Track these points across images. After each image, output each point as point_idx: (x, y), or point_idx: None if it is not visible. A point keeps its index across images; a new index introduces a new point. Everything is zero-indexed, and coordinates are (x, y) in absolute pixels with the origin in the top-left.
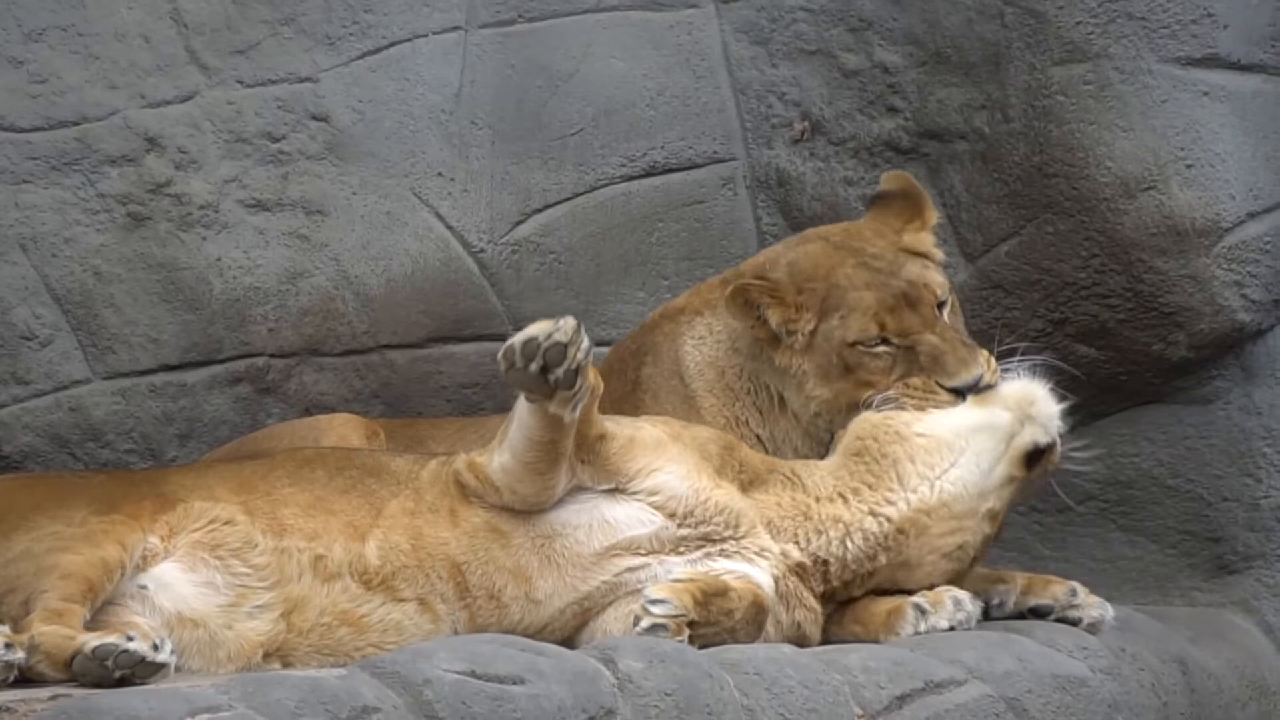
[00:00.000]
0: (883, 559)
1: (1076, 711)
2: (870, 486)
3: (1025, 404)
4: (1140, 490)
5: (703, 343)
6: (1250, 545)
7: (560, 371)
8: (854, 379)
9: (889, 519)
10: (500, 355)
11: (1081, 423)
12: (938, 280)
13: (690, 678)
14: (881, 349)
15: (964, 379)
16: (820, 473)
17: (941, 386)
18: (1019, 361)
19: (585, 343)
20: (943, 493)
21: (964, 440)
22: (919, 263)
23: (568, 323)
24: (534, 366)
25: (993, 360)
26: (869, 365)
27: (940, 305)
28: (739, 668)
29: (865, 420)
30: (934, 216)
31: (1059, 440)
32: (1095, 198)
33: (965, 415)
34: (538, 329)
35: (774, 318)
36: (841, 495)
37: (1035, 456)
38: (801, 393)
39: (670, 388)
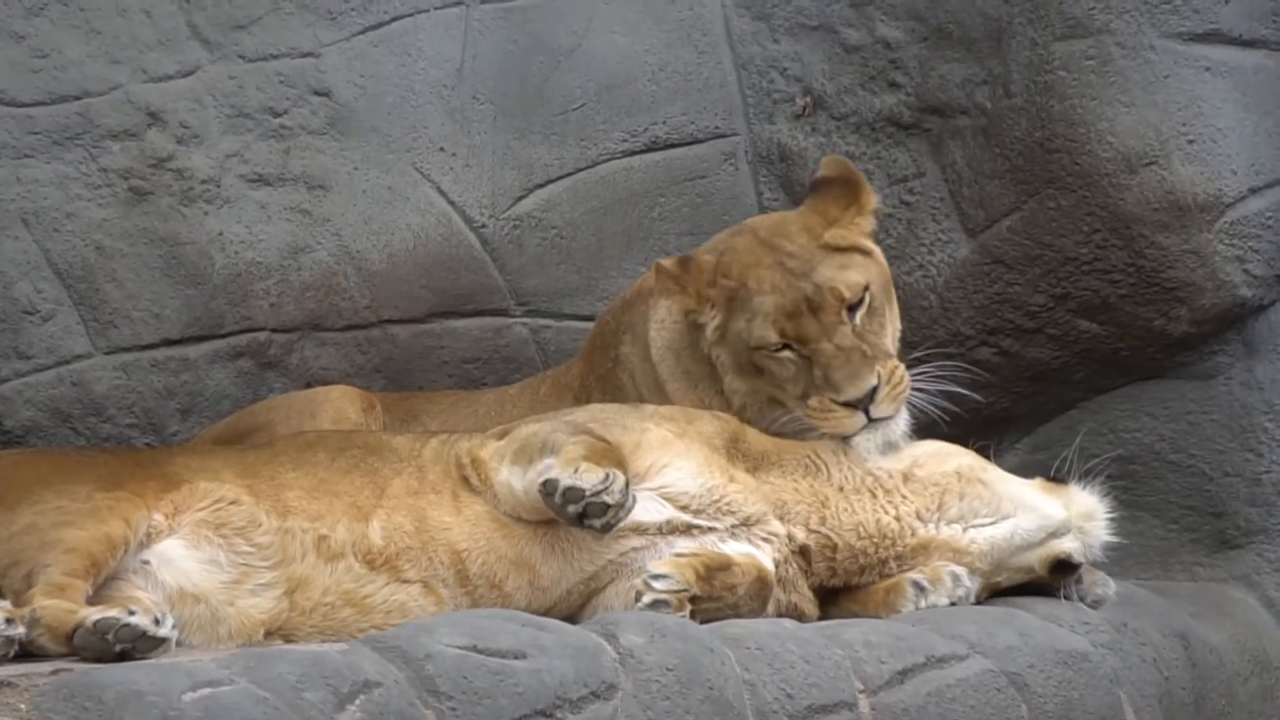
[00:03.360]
0: (893, 565)
1: (1078, 686)
2: (907, 499)
3: (1085, 516)
4: (1142, 465)
5: (662, 326)
6: (1252, 520)
7: (597, 523)
8: (765, 380)
9: (913, 532)
10: (540, 483)
11: (1083, 398)
12: (851, 281)
13: (691, 652)
14: (785, 354)
15: (851, 394)
16: (850, 464)
17: (834, 402)
18: (931, 369)
19: (630, 502)
20: (970, 541)
21: (1014, 509)
22: (837, 261)
23: (616, 483)
24: (572, 510)
25: (898, 370)
26: (774, 370)
27: (852, 308)
28: (740, 642)
29: (929, 446)
30: (872, 200)
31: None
32: (1097, 173)
33: (1027, 490)
34: (586, 481)
35: (677, 305)
36: (871, 492)
37: (1061, 567)
38: (723, 381)
39: (644, 370)
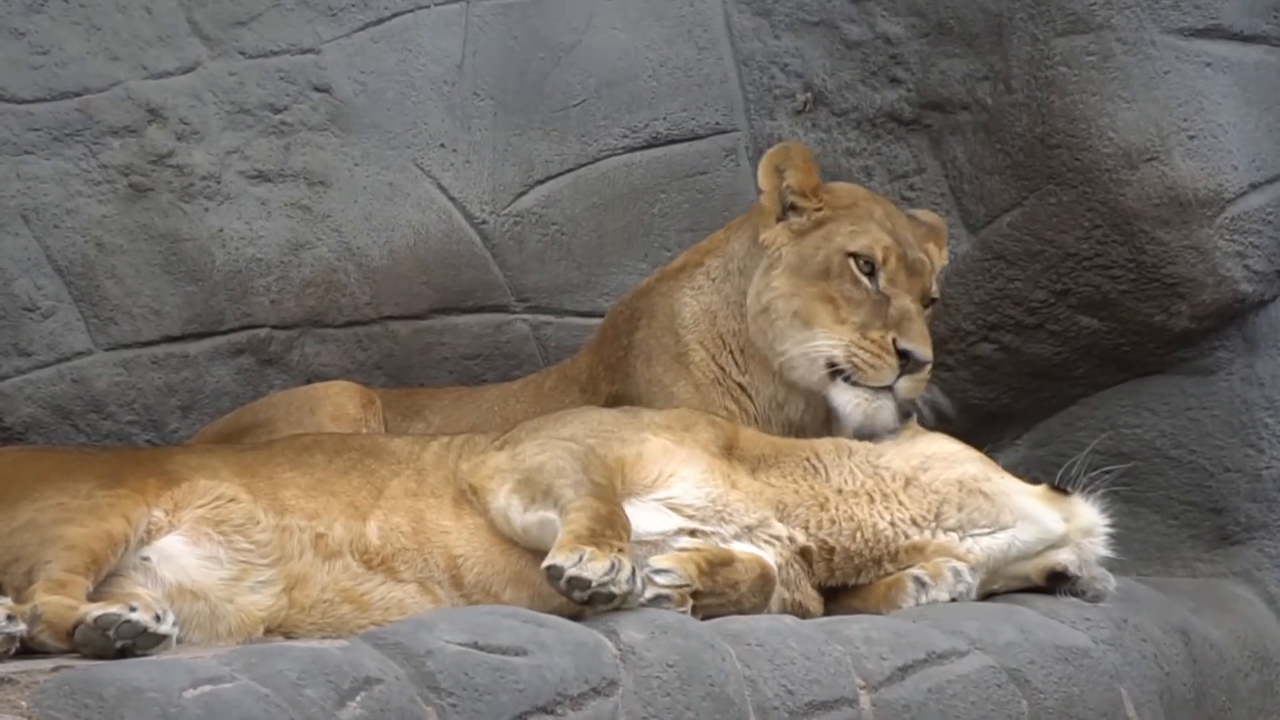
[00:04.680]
0: (889, 566)
1: (1079, 682)
2: (904, 505)
3: (1084, 530)
4: (1142, 461)
5: (700, 291)
6: (1252, 516)
7: (604, 608)
8: (821, 289)
9: (906, 536)
10: (546, 566)
11: (1084, 394)
12: (935, 285)
13: (692, 649)
14: (866, 281)
15: (917, 349)
16: (853, 466)
17: (895, 346)
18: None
19: (635, 590)
20: (967, 550)
21: (1014, 519)
22: (930, 266)
23: (623, 572)
24: (578, 596)
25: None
26: (845, 285)
27: (927, 303)
28: (741, 639)
29: (938, 447)
30: (946, 258)
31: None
32: (1098, 169)
33: (1029, 501)
34: (592, 571)
35: (792, 178)
36: (870, 496)
37: (1057, 578)
38: (766, 277)
39: (663, 347)
